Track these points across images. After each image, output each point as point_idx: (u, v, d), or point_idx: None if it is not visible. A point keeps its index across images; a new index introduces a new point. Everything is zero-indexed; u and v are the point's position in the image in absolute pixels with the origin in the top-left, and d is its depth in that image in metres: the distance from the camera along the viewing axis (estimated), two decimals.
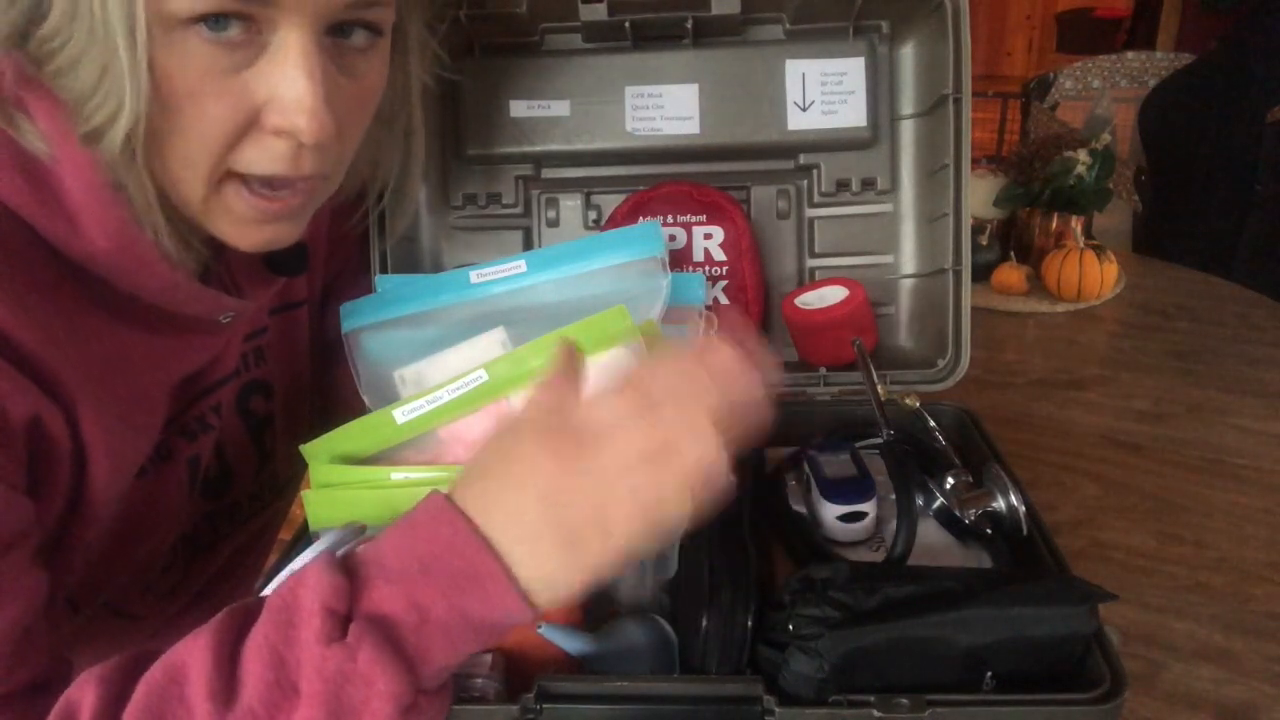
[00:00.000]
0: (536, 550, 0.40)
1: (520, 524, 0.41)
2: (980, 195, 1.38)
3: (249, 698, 0.38)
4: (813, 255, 0.85)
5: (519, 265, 0.67)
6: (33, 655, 0.45)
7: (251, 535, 0.71)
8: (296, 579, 0.41)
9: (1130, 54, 2.32)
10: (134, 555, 0.56)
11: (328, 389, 0.75)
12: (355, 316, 0.69)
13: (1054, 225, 1.39)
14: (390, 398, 0.63)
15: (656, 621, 0.52)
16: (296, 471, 0.73)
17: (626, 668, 0.50)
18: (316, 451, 0.60)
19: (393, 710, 0.39)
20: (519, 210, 0.85)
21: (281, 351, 0.68)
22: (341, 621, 0.39)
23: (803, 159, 0.83)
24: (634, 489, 0.40)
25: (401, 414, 0.58)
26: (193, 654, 0.40)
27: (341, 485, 0.58)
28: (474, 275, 0.68)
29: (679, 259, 0.82)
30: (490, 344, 0.64)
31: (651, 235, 0.68)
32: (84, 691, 0.40)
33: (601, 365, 0.57)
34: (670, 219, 0.82)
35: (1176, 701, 0.64)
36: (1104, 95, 2.22)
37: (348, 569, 0.41)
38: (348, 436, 0.59)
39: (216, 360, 0.60)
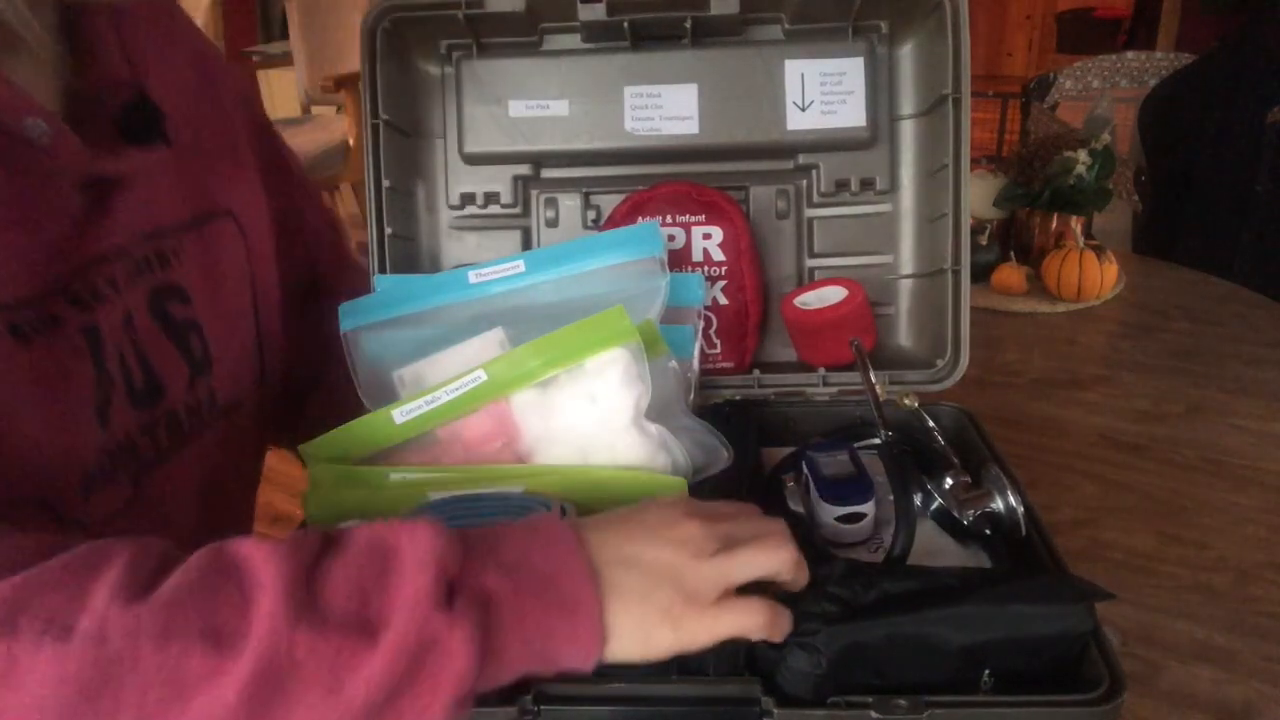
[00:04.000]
0: (631, 609, 0.42)
1: (631, 575, 0.42)
2: (980, 195, 1.38)
3: (328, 616, 0.38)
4: (812, 255, 0.85)
5: (517, 265, 0.67)
6: None
7: (215, 465, 0.67)
8: (392, 526, 0.41)
9: (1130, 54, 2.32)
10: (51, 443, 0.52)
11: (327, 382, 0.74)
12: (353, 317, 0.69)
13: (1054, 225, 1.39)
14: (389, 398, 0.63)
15: None
16: (242, 398, 0.69)
17: (626, 668, 0.50)
18: (315, 452, 0.60)
19: (455, 692, 0.39)
20: (518, 210, 0.85)
21: (201, 262, 0.64)
22: (450, 588, 0.39)
23: (802, 159, 0.83)
24: (744, 603, 0.44)
25: (400, 414, 0.58)
26: (256, 551, 0.39)
27: (339, 485, 0.58)
28: (472, 275, 0.68)
29: (678, 259, 0.82)
30: (489, 344, 0.64)
31: (650, 235, 0.68)
32: (118, 545, 0.39)
33: (600, 365, 0.57)
34: (669, 219, 0.82)
35: (1176, 701, 0.64)
36: (1104, 95, 2.21)
37: (462, 540, 0.41)
38: (346, 437, 0.59)
39: (83, 224, 0.55)
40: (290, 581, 0.38)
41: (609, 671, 0.49)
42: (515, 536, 0.43)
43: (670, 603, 0.43)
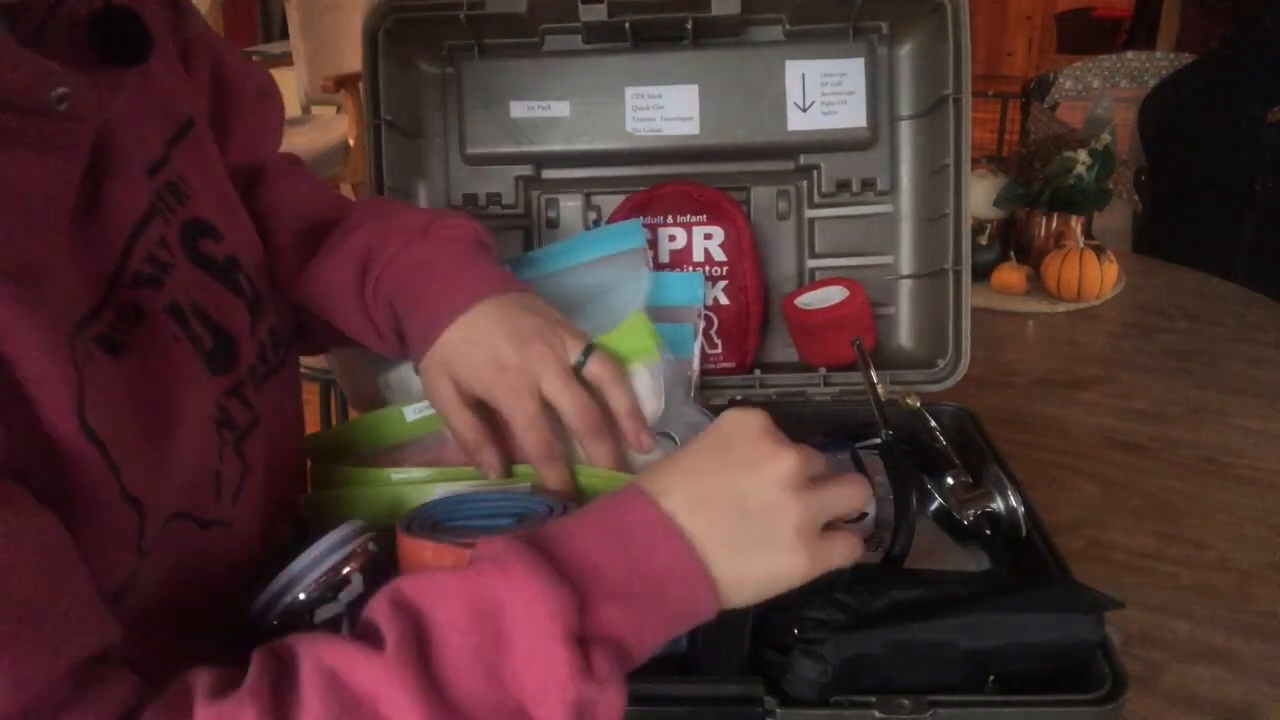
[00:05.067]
0: (751, 569, 0.42)
1: (740, 532, 0.41)
2: (980, 195, 1.38)
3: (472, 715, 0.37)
4: (813, 256, 0.85)
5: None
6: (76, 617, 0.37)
7: (289, 402, 0.60)
8: (485, 579, 0.39)
9: (1130, 54, 2.32)
10: (175, 448, 0.45)
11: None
12: None
13: (1054, 225, 1.39)
14: (377, 403, 0.64)
15: None
16: (293, 330, 0.62)
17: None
18: (319, 446, 0.60)
19: None
20: (519, 210, 0.85)
21: (202, 183, 0.55)
22: (583, 646, 0.38)
23: (803, 159, 0.83)
24: (844, 535, 0.44)
25: (412, 412, 0.58)
26: (374, 677, 0.37)
27: (341, 486, 0.58)
28: None
29: (679, 259, 0.82)
30: None
31: (631, 231, 0.68)
32: (240, 711, 0.36)
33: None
34: (670, 219, 0.82)
35: (1176, 702, 0.64)
36: (1104, 95, 2.21)
37: (566, 577, 0.39)
38: (352, 431, 0.60)
39: (106, 191, 0.46)
40: (426, 704, 0.36)
41: None
42: (609, 543, 0.40)
43: (784, 543, 0.42)
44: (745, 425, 0.44)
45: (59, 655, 0.35)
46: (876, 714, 0.45)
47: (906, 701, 0.45)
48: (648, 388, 0.56)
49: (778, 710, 0.45)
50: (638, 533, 0.41)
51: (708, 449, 0.44)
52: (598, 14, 0.76)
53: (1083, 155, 1.34)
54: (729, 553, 0.41)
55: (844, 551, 0.43)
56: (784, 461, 0.43)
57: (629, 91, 0.81)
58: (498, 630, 0.38)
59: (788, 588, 0.43)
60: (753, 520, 0.42)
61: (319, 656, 0.38)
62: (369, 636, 0.39)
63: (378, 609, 0.40)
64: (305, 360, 1.57)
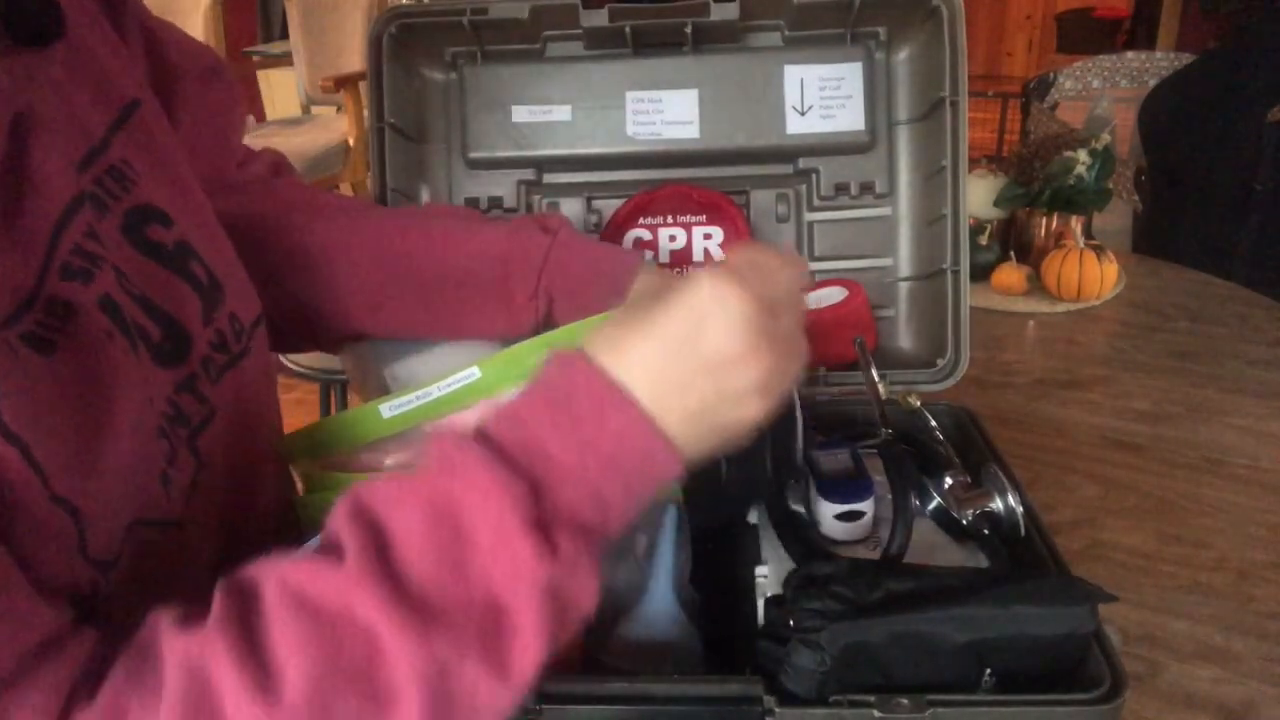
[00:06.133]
0: (695, 429, 0.40)
1: (685, 400, 0.39)
2: (980, 195, 1.38)
3: (449, 618, 0.37)
4: (812, 259, 0.86)
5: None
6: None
7: (255, 390, 0.58)
8: (443, 482, 0.39)
9: (1130, 54, 2.32)
10: (110, 449, 0.44)
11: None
12: None
13: (1054, 225, 1.39)
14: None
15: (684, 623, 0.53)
16: (258, 315, 0.59)
17: (627, 668, 0.51)
18: (295, 445, 0.59)
19: (589, 608, 0.39)
20: (520, 214, 0.85)
21: (151, 166, 0.52)
22: (545, 530, 0.38)
23: (801, 163, 0.84)
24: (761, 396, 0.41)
25: (389, 408, 0.57)
26: (335, 582, 0.37)
27: (337, 489, 0.58)
28: None
29: (679, 259, 0.83)
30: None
31: None
32: (207, 649, 0.36)
33: None
34: (670, 219, 0.82)
35: (1176, 701, 0.64)
36: (1104, 95, 2.22)
37: (517, 466, 0.38)
38: (329, 429, 0.59)
39: (26, 182, 0.43)
40: (394, 608, 0.36)
41: (611, 670, 0.50)
42: (560, 420, 0.39)
43: (744, 415, 0.41)
44: (723, 312, 0.40)
45: None
46: (876, 713, 0.45)
47: (905, 701, 0.45)
48: None
49: (777, 709, 0.46)
50: (587, 405, 0.39)
51: (676, 323, 0.40)
52: (599, 20, 0.77)
53: (1083, 155, 1.34)
54: (686, 421, 0.40)
55: (795, 373, 0.42)
56: (755, 369, 0.40)
57: (629, 96, 0.82)
58: (458, 529, 0.38)
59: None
60: (711, 405, 0.40)
61: (282, 578, 0.38)
62: (330, 549, 0.39)
63: (337, 519, 0.39)
64: (304, 360, 1.56)
